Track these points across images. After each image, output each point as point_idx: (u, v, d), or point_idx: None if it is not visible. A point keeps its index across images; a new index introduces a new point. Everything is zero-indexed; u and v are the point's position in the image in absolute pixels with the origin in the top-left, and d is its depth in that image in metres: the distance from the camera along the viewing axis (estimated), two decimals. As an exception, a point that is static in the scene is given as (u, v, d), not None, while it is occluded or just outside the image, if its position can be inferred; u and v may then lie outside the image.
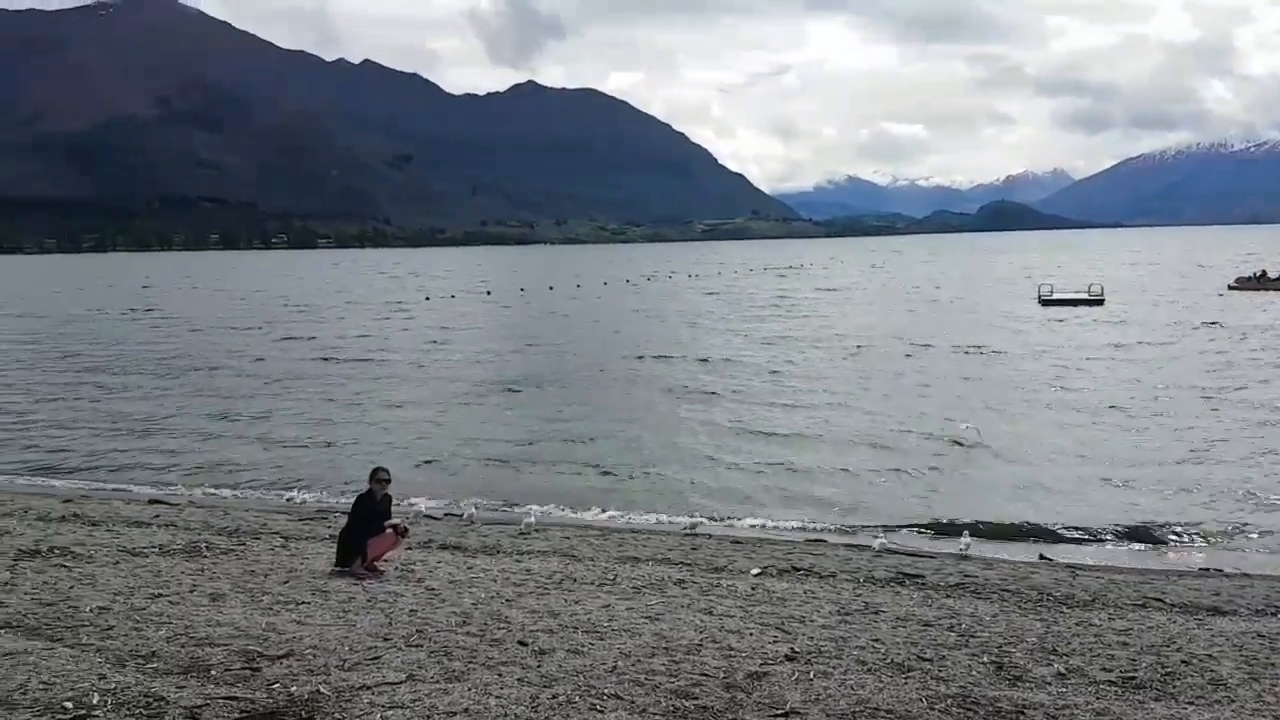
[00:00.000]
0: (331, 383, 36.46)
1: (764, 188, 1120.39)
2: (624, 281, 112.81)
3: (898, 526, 17.76)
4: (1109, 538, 16.90)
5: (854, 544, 16.29)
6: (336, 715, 6.93)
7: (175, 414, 30.55)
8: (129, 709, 6.91)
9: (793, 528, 17.97)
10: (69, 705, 6.91)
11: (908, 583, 12.93)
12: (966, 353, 41.16)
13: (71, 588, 10.77)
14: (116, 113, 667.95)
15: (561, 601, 11.00)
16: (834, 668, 8.62)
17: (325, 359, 44.10)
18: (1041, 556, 15.71)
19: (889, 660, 8.95)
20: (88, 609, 9.74)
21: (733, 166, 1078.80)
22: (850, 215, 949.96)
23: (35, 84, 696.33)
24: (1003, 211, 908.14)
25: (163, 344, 52.22)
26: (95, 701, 6.99)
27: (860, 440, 24.77)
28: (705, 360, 40.81)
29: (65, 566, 11.99)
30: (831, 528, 17.92)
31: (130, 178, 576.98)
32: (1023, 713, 7.63)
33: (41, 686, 7.28)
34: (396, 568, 12.41)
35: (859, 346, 44.82)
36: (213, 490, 21.11)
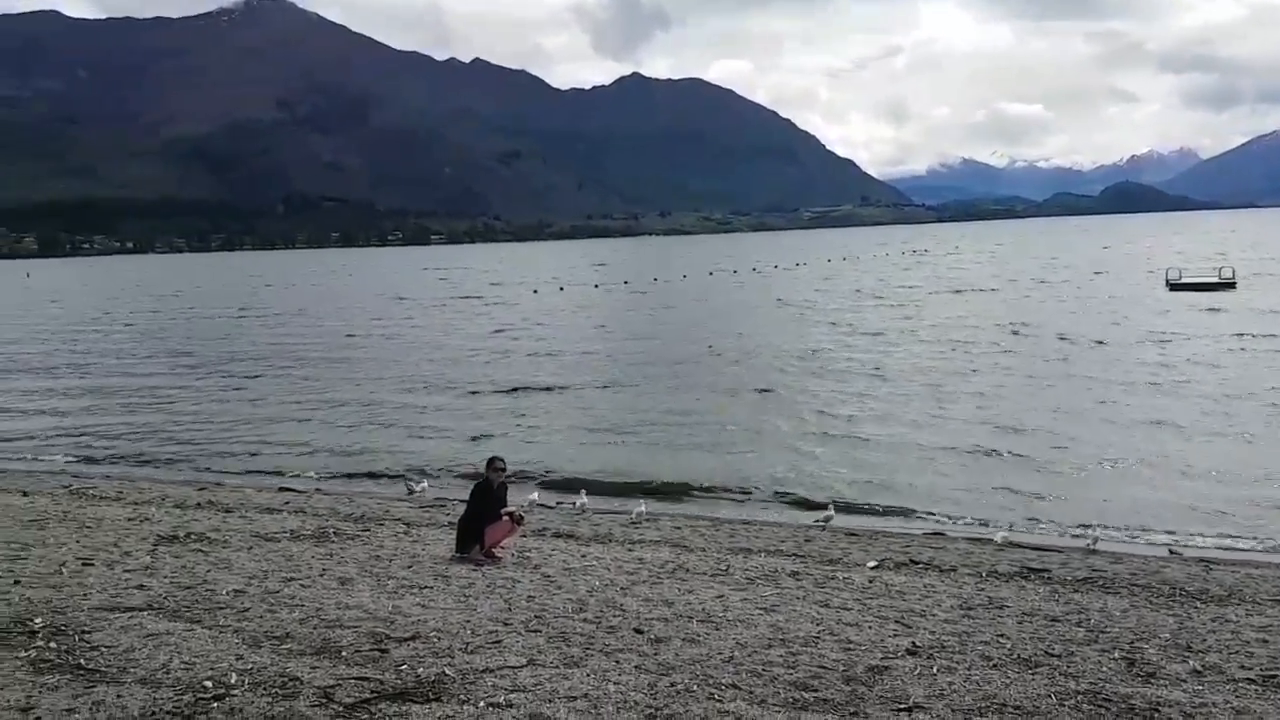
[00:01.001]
0: (442, 375, 37.24)
1: (873, 172, 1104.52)
2: (730, 272, 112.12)
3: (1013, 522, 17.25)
4: (1241, 539, 16.01)
5: (975, 537, 15.91)
6: (461, 696, 7.09)
7: (295, 406, 31.63)
8: (265, 688, 7.18)
9: (909, 521, 17.65)
10: (209, 684, 7.21)
11: (1033, 577, 12.59)
12: (1090, 344, 39.45)
13: (208, 571, 11.21)
14: (240, 116, 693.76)
15: (675, 591, 11.03)
16: (958, 662, 8.45)
17: (434, 352, 45.18)
18: (1171, 551, 15.11)
19: (1015, 656, 8.73)
20: (224, 592, 10.13)
21: (841, 152, 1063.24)
22: (965, 199, 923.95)
23: (162, 90, 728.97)
24: (1127, 193, 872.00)
25: (279, 340, 54.06)
26: (234, 681, 7.28)
27: (969, 440, 23.49)
28: (806, 354, 40.16)
29: (202, 551, 12.49)
30: (949, 520, 17.53)
31: (255, 179, 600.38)
32: (1157, 710, 7.37)
33: (183, 666, 7.62)
34: (513, 554, 12.60)
35: (972, 339, 43.41)
36: (337, 478, 21.85)
